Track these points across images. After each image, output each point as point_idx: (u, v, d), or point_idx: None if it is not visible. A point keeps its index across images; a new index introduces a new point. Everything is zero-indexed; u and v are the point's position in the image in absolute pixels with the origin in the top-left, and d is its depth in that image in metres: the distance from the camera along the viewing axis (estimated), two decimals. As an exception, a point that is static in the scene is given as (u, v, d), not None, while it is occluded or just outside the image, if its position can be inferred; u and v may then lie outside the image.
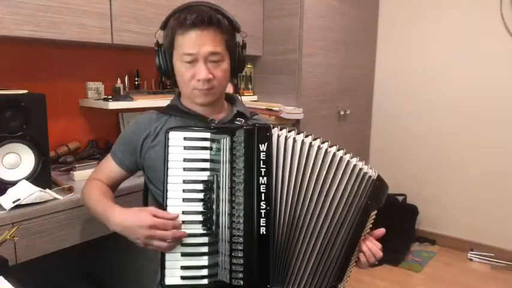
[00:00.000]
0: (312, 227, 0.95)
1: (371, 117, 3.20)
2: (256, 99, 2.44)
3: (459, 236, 2.89)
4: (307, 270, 0.96)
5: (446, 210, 2.94)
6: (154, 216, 0.90)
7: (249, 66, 2.42)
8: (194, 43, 0.99)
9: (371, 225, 1.01)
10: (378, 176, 1.01)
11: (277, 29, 2.33)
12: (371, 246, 1.00)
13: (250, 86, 2.43)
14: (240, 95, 1.33)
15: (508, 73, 2.60)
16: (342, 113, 2.66)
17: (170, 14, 1.05)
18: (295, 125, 2.29)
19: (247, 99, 2.36)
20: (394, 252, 2.66)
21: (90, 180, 1.17)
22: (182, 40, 1.01)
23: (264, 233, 0.91)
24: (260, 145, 0.92)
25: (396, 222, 2.71)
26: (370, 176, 0.99)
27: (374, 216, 1.01)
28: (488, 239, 2.77)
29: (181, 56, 1.02)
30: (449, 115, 2.85)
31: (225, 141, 0.93)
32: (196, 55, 1.00)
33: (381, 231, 1.03)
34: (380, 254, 1.01)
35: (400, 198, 3.05)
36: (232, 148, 0.93)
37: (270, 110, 2.17)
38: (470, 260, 2.75)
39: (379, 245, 1.02)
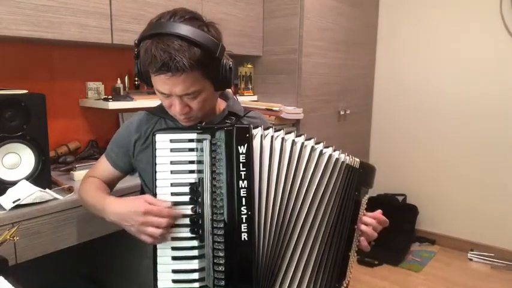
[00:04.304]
0: (306, 230, 0.91)
1: (371, 117, 3.20)
2: (256, 99, 2.44)
3: (459, 236, 2.89)
4: (305, 275, 0.92)
5: (446, 210, 2.94)
6: (150, 204, 0.90)
7: (249, 66, 2.42)
8: (165, 84, 0.92)
9: (365, 208, 0.99)
10: (361, 163, 0.97)
11: (277, 29, 2.33)
12: (369, 221, 0.99)
13: (250, 86, 2.43)
14: (238, 95, 1.29)
15: (508, 73, 2.60)
16: (342, 113, 2.66)
17: (141, 37, 0.93)
18: (295, 125, 2.29)
19: (247, 99, 2.37)
20: (394, 252, 2.66)
21: (86, 177, 1.17)
22: (153, 77, 0.94)
23: (246, 239, 0.87)
24: (239, 147, 0.88)
25: (396, 222, 2.68)
26: (351, 166, 0.95)
27: (367, 201, 0.99)
28: (488, 239, 2.77)
29: (156, 89, 0.96)
30: (449, 115, 2.84)
31: (206, 143, 0.91)
32: (169, 94, 0.94)
33: (378, 211, 1.02)
34: (382, 225, 1.00)
35: (400, 198, 3.05)
36: (212, 150, 0.89)
37: (270, 110, 2.17)
38: (470, 260, 2.75)
39: (378, 216, 1.00)
